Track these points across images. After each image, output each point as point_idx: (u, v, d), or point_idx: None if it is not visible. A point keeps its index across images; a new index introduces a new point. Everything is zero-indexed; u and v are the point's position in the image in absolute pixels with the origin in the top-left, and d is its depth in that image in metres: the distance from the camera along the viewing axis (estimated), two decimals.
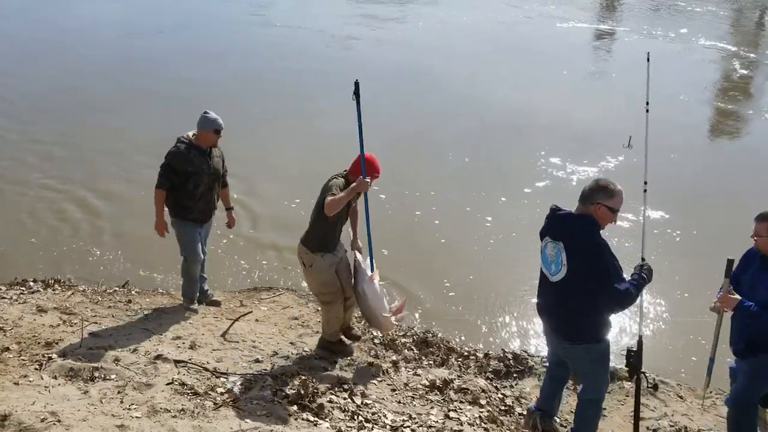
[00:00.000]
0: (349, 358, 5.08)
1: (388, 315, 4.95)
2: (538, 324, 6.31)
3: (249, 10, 19.04)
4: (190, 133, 5.39)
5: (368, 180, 4.60)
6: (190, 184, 5.36)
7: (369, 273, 4.91)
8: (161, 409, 3.98)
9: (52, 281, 6.09)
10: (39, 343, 4.78)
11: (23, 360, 4.49)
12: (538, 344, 5.96)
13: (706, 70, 15.45)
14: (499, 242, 7.70)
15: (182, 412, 3.98)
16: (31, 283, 6.01)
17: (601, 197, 3.74)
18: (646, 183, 4.34)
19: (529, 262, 7.26)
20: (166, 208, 5.51)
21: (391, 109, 11.17)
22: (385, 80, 12.66)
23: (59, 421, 3.64)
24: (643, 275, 3.77)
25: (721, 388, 5.05)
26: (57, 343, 4.78)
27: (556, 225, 3.86)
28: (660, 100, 12.52)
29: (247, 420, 3.99)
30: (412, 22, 18.80)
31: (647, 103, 4.46)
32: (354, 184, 4.59)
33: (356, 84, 4.51)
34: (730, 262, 4.05)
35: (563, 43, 17.23)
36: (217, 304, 5.98)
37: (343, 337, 5.18)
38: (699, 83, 14.09)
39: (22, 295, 5.66)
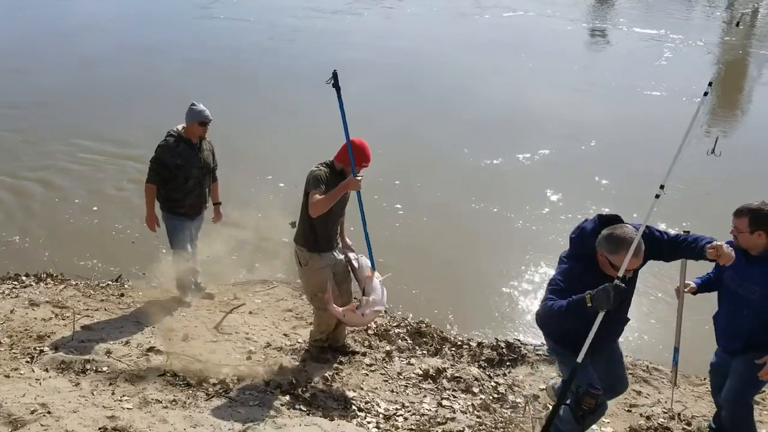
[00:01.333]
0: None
1: (380, 309, 4.66)
2: (530, 313, 6.33)
3: (195, 2, 18.84)
4: (180, 126, 5.36)
5: (360, 178, 4.31)
6: (180, 177, 5.32)
7: (367, 272, 4.64)
8: (153, 400, 3.98)
9: (45, 275, 6.05)
10: (31, 336, 4.77)
11: (14, 353, 4.48)
12: (531, 333, 5.96)
13: (697, 67, 15.43)
14: (492, 234, 7.70)
15: (174, 403, 3.98)
16: (24, 278, 5.97)
17: (603, 247, 3.32)
18: (662, 187, 3.48)
19: (523, 253, 7.31)
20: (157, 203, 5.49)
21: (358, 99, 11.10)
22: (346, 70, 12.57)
23: (49, 412, 3.64)
24: (585, 296, 3.15)
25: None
26: (49, 337, 4.77)
27: None
28: (650, 96, 12.70)
29: (240, 410, 4.00)
30: (362, 15, 18.76)
31: (710, 84, 3.90)
32: (343, 183, 4.29)
33: (334, 74, 4.24)
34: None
35: (523, 33, 17.44)
36: (210, 296, 5.96)
37: (328, 346, 5.00)
38: (688, 80, 14.09)
39: (14, 290, 5.64)
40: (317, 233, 4.53)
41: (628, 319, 3.71)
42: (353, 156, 4.34)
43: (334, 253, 4.64)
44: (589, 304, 3.12)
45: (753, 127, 11.95)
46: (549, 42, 16.68)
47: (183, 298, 5.72)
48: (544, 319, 3.42)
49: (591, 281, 3.22)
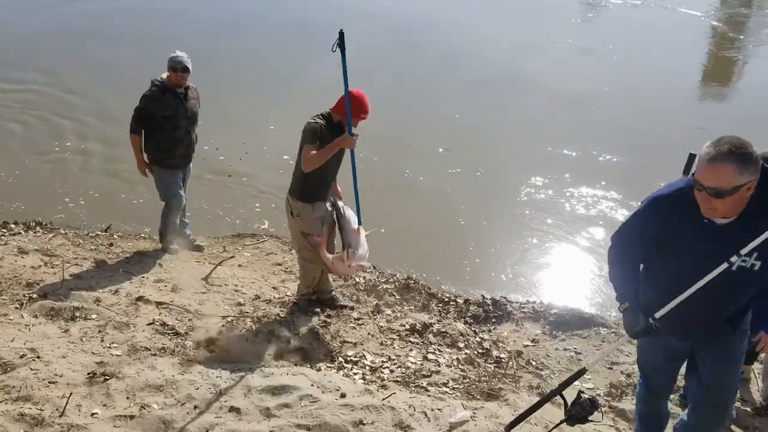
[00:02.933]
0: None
1: (364, 263, 4.74)
2: (518, 271, 6.40)
3: None
4: (164, 75, 5.27)
5: (355, 137, 4.23)
6: (169, 127, 5.27)
7: (354, 226, 4.64)
8: (141, 347, 4.02)
9: (34, 224, 6.04)
10: (20, 283, 4.77)
11: (4, 299, 4.50)
12: (517, 291, 6.03)
13: (691, 35, 15.30)
14: (482, 193, 7.72)
15: (162, 351, 4.02)
16: (12, 225, 5.96)
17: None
18: None
19: (512, 212, 7.34)
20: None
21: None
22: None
23: (38, 357, 3.67)
24: (624, 302, 2.78)
25: None
26: (38, 284, 4.77)
27: None
28: (645, 63, 12.60)
29: (228, 359, 4.04)
30: None
31: None
32: (338, 139, 4.22)
33: (341, 34, 3.95)
34: (692, 156, 3.67)
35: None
36: (200, 249, 5.98)
37: (315, 299, 5.05)
38: (683, 47, 14.01)
39: (2, 237, 5.63)
40: (312, 184, 4.49)
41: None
42: (351, 108, 4.22)
43: (327, 205, 4.62)
44: (620, 311, 2.81)
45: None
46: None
47: (169, 246, 5.72)
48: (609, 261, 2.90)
49: (665, 227, 2.57)
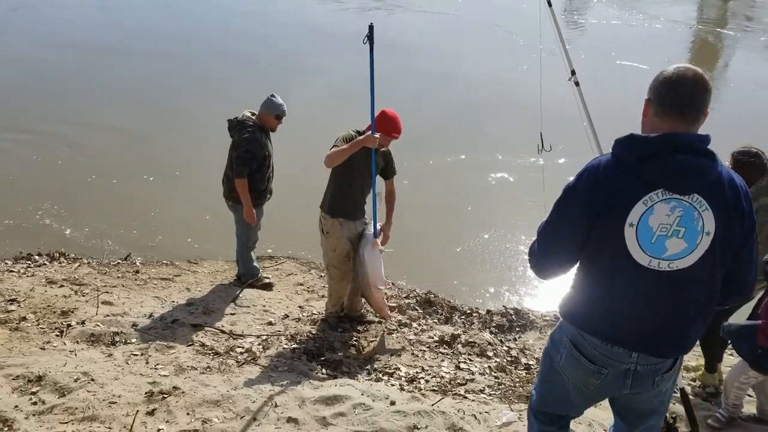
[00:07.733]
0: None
1: (383, 288, 4.77)
2: (535, 282, 6.52)
3: None
4: (248, 113, 5.29)
5: (377, 135, 4.34)
6: (265, 167, 5.32)
7: (372, 240, 4.68)
8: (188, 367, 4.11)
9: (57, 254, 6.11)
10: (55, 312, 4.84)
11: (42, 328, 4.57)
12: (536, 300, 6.19)
13: (669, 41, 15.77)
14: (492, 206, 7.89)
15: (209, 369, 4.11)
16: (36, 257, 6.02)
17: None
18: (574, 72, 3.66)
19: (529, 221, 7.46)
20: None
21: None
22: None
23: (93, 380, 3.74)
24: None
25: None
26: (73, 312, 4.85)
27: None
28: (618, 70, 12.92)
29: (272, 374, 4.15)
30: None
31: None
32: (359, 138, 4.35)
33: (370, 27, 4.06)
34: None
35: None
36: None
37: (345, 316, 5.19)
38: (660, 55, 14.43)
39: (29, 269, 5.70)
40: (339, 198, 4.63)
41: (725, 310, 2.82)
42: (385, 126, 4.42)
43: (356, 225, 4.74)
44: None
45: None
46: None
47: (261, 279, 5.84)
48: None
49: None
